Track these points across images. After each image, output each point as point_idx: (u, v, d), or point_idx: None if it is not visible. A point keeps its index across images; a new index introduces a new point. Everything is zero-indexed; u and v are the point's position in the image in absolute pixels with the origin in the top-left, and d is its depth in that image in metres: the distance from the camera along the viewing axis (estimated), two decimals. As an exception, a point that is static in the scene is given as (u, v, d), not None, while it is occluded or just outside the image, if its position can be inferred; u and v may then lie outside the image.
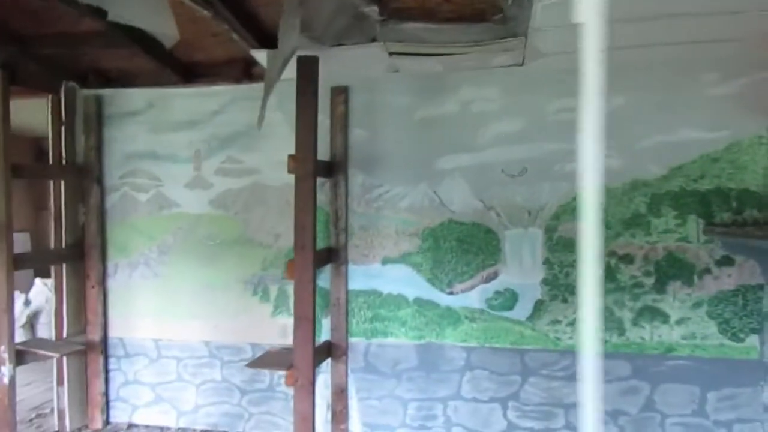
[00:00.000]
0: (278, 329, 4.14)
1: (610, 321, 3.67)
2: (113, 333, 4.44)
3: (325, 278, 4.00)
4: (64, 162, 4.26)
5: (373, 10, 3.15)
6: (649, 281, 3.63)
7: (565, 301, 3.73)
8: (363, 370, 4.03)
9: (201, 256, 4.28)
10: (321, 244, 3.86)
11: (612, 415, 3.69)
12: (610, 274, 3.66)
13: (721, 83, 3.49)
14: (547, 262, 3.75)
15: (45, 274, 6.55)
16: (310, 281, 3.36)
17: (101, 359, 4.37)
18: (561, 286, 3.74)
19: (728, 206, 3.51)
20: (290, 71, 3.29)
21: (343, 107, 3.93)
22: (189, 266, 4.30)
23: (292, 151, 3.53)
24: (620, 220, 3.64)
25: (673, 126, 3.54)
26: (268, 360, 3.73)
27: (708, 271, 3.55)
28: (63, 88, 4.22)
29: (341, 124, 3.93)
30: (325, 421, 4.03)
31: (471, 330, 3.86)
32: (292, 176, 3.63)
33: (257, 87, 4.03)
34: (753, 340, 3.50)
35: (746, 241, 3.35)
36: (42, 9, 3.42)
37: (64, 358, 4.18)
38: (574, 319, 3.72)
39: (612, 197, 3.64)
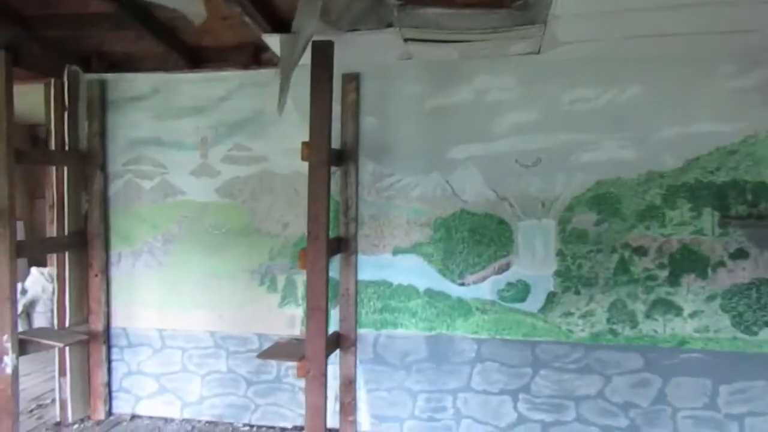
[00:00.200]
0: (286, 320, 4.09)
1: (623, 313, 3.64)
2: (116, 323, 4.36)
3: (334, 268, 3.93)
4: (66, 148, 4.15)
5: (391, -6, 3.08)
6: (663, 274, 3.60)
7: (577, 293, 3.70)
8: (372, 361, 3.98)
9: (207, 245, 4.20)
10: (330, 234, 3.78)
11: (623, 407, 3.68)
12: (623, 267, 3.64)
13: (739, 75, 3.45)
14: (560, 253, 3.71)
15: (40, 263, 6.45)
16: (323, 271, 3.30)
17: (104, 349, 4.29)
18: (574, 278, 3.70)
19: (744, 199, 3.48)
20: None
21: (355, 95, 3.86)
22: (194, 255, 4.22)
23: (302, 139, 3.46)
24: (635, 212, 3.61)
25: (690, 118, 3.50)
26: (278, 351, 3.67)
27: (722, 264, 3.53)
28: (66, 72, 4.11)
29: (352, 111, 3.86)
30: (333, 413, 3.97)
31: (482, 322, 3.82)
32: (301, 164, 3.57)
33: (266, 73, 3.99)
34: (766, 333, 3.48)
35: (763, 232, 3.32)
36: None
37: (66, 348, 4.10)
38: (587, 312, 3.69)
39: (627, 189, 3.61)
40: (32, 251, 4.30)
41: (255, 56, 4.02)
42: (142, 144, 4.27)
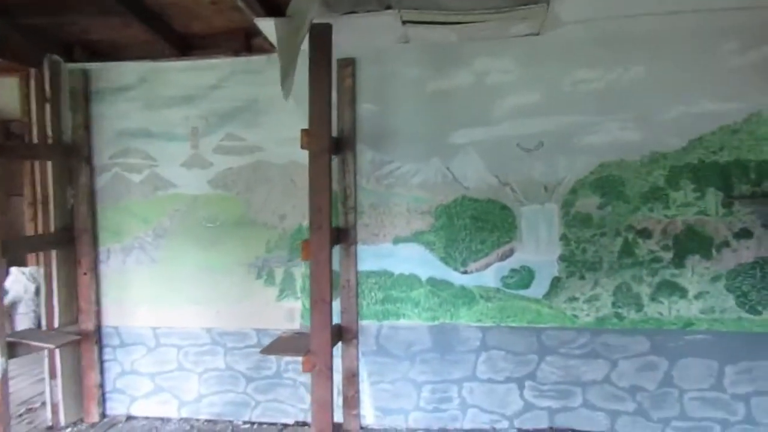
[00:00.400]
0: (285, 313, 3.98)
1: (628, 297, 3.61)
2: (108, 322, 4.22)
3: (333, 259, 3.81)
4: (50, 141, 3.98)
5: (391, -26, 2.98)
6: (668, 255, 3.57)
7: (582, 277, 3.65)
8: (374, 353, 3.90)
9: (200, 239, 4.07)
10: (330, 224, 3.70)
11: (629, 391, 3.66)
12: (627, 250, 3.60)
13: (741, 53, 3.42)
14: (564, 238, 3.67)
15: (21, 263, 6.24)
16: (327, 262, 3.21)
17: (96, 349, 4.15)
18: (578, 262, 3.65)
19: (747, 178, 3.46)
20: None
21: (351, 80, 3.75)
22: (187, 250, 4.09)
23: (297, 127, 3.37)
24: (638, 194, 3.57)
25: (693, 97, 3.47)
26: (281, 346, 3.57)
27: (726, 244, 3.51)
28: (47, 62, 3.93)
29: (349, 97, 3.75)
30: (336, 407, 3.86)
31: (486, 309, 3.76)
32: (298, 153, 3.48)
33: (258, 60, 3.88)
34: (771, 312, 3.48)
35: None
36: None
37: (57, 350, 3.94)
38: (592, 296, 3.65)
39: (630, 171, 3.57)
40: (17, 250, 4.11)
41: (246, 42, 3.89)
42: (130, 136, 4.11)
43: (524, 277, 3.72)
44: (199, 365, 4.14)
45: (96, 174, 4.16)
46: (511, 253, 3.73)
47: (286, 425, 4.03)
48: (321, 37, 3.13)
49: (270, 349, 3.53)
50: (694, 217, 3.53)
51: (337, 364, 3.87)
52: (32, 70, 3.94)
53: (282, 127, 3.83)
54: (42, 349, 3.81)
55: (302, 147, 3.26)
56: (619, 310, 3.63)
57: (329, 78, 3.21)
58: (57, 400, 4.06)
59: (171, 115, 4.05)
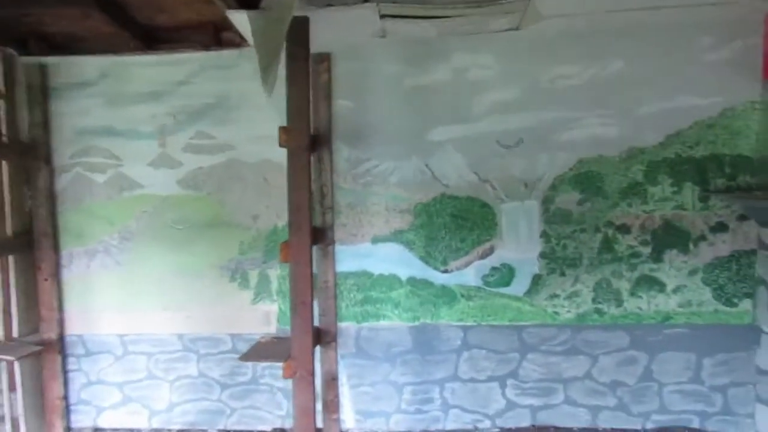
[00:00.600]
0: (260, 317, 3.85)
1: (608, 292, 3.62)
2: (71, 330, 4.00)
3: (310, 260, 3.73)
4: (4, 140, 3.74)
5: (370, -34, 2.88)
6: (646, 250, 3.59)
7: (563, 274, 3.64)
8: (354, 355, 3.81)
9: (170, 242, 3.89)
10: (307, 224, 3.58)
11: (610, 386, 3.67)
12: (607, 245, 3.60)
13: (715, 48, 3.45)
14: (544, 234, 3.64)
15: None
16: (307, 264, 3.10)
17: (59, 359, 3.93)
18: (559, 259, 3.64)
19: (722, 173, 3.50)
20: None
21: (326, 76, 3.63)
22: (156, 252, 3.91)
23: (271, 124, 3.29)
24: (617, 190, 3.57)
25: (670, 92, 3.48)
26: (260, 352, 3.44)
27: (703, 238, 3.55)
28: None
29: (324, 94, 3.63)
30: (315, 412, 3.78)
31: (467, 308, 3.71)
32: (271, 152, 3.40)
33: (228, 55, 3.73)
34: (746, 304, 3.53)
35: (747, 203, 3.34)
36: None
37: (16, 362, 3.72)
38: (572, 292, 3.64)
39: (609, 166, 3.56)
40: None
41: (215, 36, 3.71)
42: (92, 134, 3.89)
43: (505, 275, 3.68)
44: (171, 373, 3.97)
45: (56, 174, 3.93)
46: (491, 251, 3.69)
47: (263, 432, 3.91)
48: (299, 31, 3.01)
49: (249, 356, 3.40)
50: (672, 212, 3.55)
51: (316, 367, 3.75)
52: (-17, 65, 3.69)
53: (255, 124, 3.70)
54: (0, 361, 3.58)
55: (280, 145, 3.14)
56: (600, 306, 3.63)
57: (308, 73, 3.10)
58: (17, 414, 3.82)
59: (136, 112, 3.85)
